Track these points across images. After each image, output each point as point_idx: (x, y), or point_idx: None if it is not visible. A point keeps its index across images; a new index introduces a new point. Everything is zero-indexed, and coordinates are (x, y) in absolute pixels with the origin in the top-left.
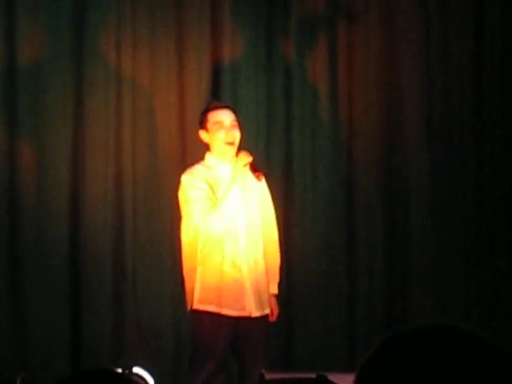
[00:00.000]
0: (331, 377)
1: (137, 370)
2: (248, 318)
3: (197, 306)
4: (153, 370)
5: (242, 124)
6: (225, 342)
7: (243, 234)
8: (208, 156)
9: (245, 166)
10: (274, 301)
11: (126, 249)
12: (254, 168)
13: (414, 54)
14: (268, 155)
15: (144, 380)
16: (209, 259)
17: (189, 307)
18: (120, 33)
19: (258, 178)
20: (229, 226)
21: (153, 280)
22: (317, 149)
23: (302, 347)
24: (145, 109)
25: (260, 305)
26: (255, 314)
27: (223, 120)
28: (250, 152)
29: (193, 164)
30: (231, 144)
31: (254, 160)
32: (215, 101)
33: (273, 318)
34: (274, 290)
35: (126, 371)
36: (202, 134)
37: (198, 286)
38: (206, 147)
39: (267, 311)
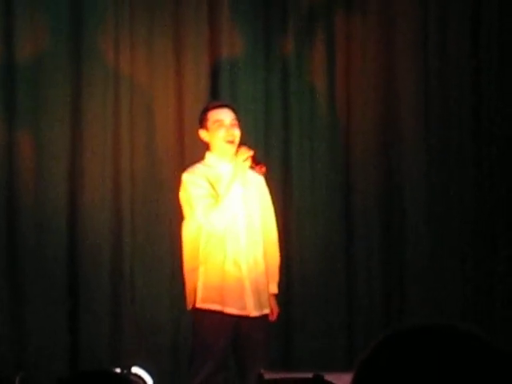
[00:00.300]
0: (330, 376)
1: (135, 370)
2: (248, 318)
3: (199, 304)
4: (151, 370)
5: (240, 122)
6: (225, 342)
7: (243, 233)
8: (208, 155)
9: (245, 160)
10: (273, 300)
11: (124, 249)
12: (256, 161)
13: (412, 54)
14: (266, 154)
15: (142, 380)
16: (211, 258)
17: (189, 306)
18: (118, 32)
19: (260, 170)
20: (230, 223)
21: (151, 281)
22: (315, 147)
23: (300, 347)
24: (143, 108)
25: (259, 305)
26: (254, 313)
27: (223, 119)
28: (250, 146)
29: (191, 164)
30: (231, 142)
31: (254, 153)
32: (215, 100)
33: (273, 318)
34: (274, 289)
35: (125, 371)
36: (202, 133)
37: (200, 284)
38: (206, 147)
39: (266, 311)
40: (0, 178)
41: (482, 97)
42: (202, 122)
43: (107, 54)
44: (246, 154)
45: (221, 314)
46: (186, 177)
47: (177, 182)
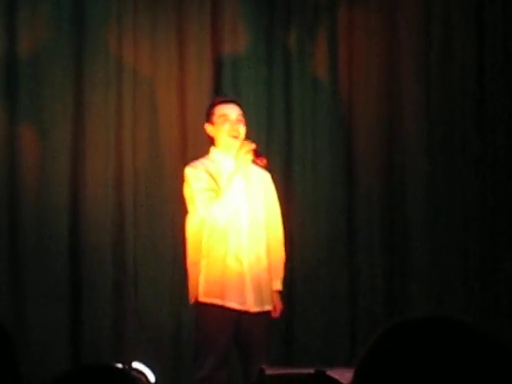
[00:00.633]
0: (332, 372)
1: (137, 365)
2: (249, 313)
3: (201, 298)
4: (153, 365)
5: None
6: (227, 336)
7: (246, 228)
8: (213, 150)
9: (247, 152)
10: (277, 297)
11: (126, 244)
12: (257, 153)
13: (415, 49)
14: (268, 149)
15: (144, 375)
16: (212, 252)
17: (192, 300)
18: (121, 27)
19: (261, 162)
20: (232, 217)
21: (153, 275)
22: (317, 143)
23: (302, 343)
24: (146, 103)
25: (260, 301)
26: (254, 309)
27: (229, 114)
28: (252, 140)
29: (193, 158)
30: (236, 137)
31: (256, 146)
32: (221, 95)
33: (276, 314)
34: (278, 286)
35: (127, 367)
36: (208, 128)
37: (202, 278)
38: (211, 141)
39: (268, 307)
40: (2, 173)
41: (485, 91)
42: (208, 117)
43: (110, 49)
44: (248, 147)
45: (222, 308)
46: (188, 171)
47: (179, 176)
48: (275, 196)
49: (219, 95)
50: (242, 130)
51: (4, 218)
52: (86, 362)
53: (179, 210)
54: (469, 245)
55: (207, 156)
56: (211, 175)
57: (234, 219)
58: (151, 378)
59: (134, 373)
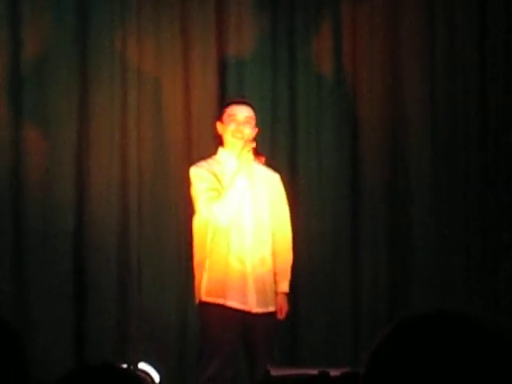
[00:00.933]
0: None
1: (142, 365)
2: (252, 314)
3: (204, 298)
4: (158, 366)
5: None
6: (232, 336)
7: (250, 228)
8: (220, 151)
9: (248, 152)
10: (283, 299)
11: (131, 243)
12: (256, 152)
13: (419, 44)
14: (273, 148)
15: (149, 375)
16: (216, 252)
17: (197, 300)
18: (125, 26)
19: (260, 160)
20: (235, 217)
21: (158, 274)
22: (322, 142)
23: (306, 342)
24: (150, 103)
25: (263, 302)
26: (256, 309)
27: (237, 114)
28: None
29: (198, 157)
30: (238, 138)
31: (256, 145)
32: (237, 95)
33: (281, 316)
34: (285, 288)
35: (132, 367)
36: (218, 126)
37: (205, 278)
38: (220, 141)
39: (271, 309)
40: (7, 171)
41: (488, 90)
42: (220, 115)
43: (115, 49)
44: (249, 145)
45: (224, 307)
46: (192, 171)
47: (184, 176)
48: (283, 197)
49: (236, 96)
50: (247, 131)
51: (9, 218)
52: (90, 361)
53: (184, 209)
54: (471, 243)
55: (214, 156)
56: (215, 175)
57: (237, 219)
58: (156, 378)
59: (139, 373)
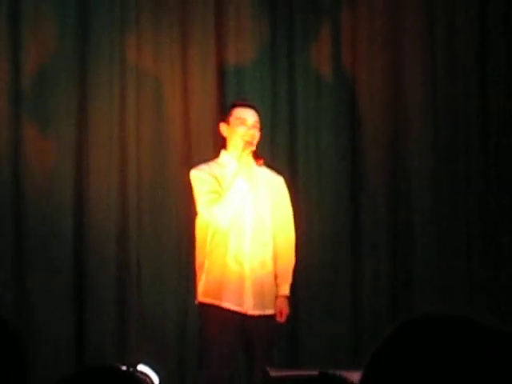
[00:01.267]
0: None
1: (141, 367)
2: (250, 316)
3: (201, 299)
4: (157, 367)
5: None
6: (229, 337)
7: (249, 230)
8: (223, 154)
9: (248, 154)
10: (284, 302)
11: (130, 244)
12: (255, 155)
13: (419, 48)
14: (272, 150)
15: (149, 378)
16: (215, 253)
17: (196, 301)
18: (124, 27)
19: (258, 162)
20: (235, 218)
21: (157, 275)
22: (322, 146)
23: (307, 345)
24: (149, 105)
25: (260, 304)
26: (252, 312)
27: (246, 118)
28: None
29: (197, 158)
30: (249, 143)
31: (256, 148)
32: (244, 98)
33: (281, 319)
34: (285, 291)
35: (131, 369)
36: (222, 127)
37: (203, 279)
38: (223, 143)
39: (270, 312)
40: (7, 172)
41: (488, 93)
42: (225, 117)
43: (114, 51)
44: (249, 148)
45: (221, 309)
46: (192, 173)
47: (183, 176)
48: (286, 200)
49: (239, 98)
50: (256, 135)
51: (9, 219)
52: (89, 363)
53: (183, 211)
54: (472, 245)
55: (216, 159)
56: (216, 178)
57: (237, 221)
58: (155, 379)
59: (138, 374)
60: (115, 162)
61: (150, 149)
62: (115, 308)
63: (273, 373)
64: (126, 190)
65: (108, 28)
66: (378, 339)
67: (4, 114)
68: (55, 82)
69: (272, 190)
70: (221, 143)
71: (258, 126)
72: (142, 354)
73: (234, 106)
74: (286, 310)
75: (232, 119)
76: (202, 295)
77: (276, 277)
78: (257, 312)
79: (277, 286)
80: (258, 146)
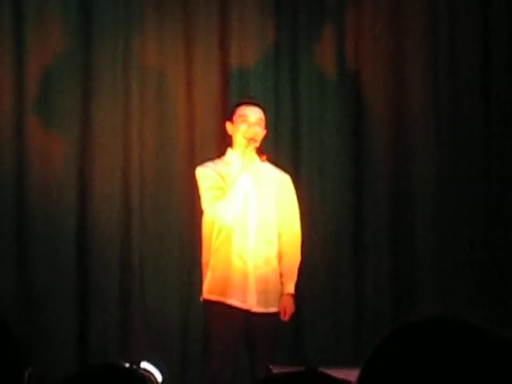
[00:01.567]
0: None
1: (145, 365)
2: (253, 313)
3: (206, 296)
4: (161, 365)
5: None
6: (234, 334)
7: (253, 228)
8: (229, 152)
9: (251, 151)
10: (288, 300)
11: (133, 243)
12: (259, 151)
13: (422, 49)
14: (276, 149)
15: (152, 375)
16: (220, 250)
17: (201, 298)
18: (128, 29)
19: (261, 158)
20: (239, 216)
21: (160, 274)
22: (325, 147)
23: (310, 344)
24: (153, 104)
25: (264, 302)
26: (256, 309)
27: (248, 115)
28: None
29: (200, 157)
30: (251, 140)
31: (260, 145)
32: (249, 96)
33: (285, 317)
34: (290, 289)
35: (134, 366)
36: (228, 126)
37: (208, 276)
38: (229, 142)
39: (273, 309)
40: (10, 170)
41: (492, 92)
42: (230, 115)
43: (118, 50)
44: (253, 145)
45: (225, 305)
46: (198, 170)
47: (186, 175)
48: (293, 198)
49: (245, 96)
50: (259, 132)
51: (12, 218)
52: (92, 361)
53: (186, 209)
54: (474, 250)
55: (222, 157)
56: (221, 175)
57: (241, 218)
58: (159, 377)
59: (142, 372)
60: (118, 162)
61: (153, 149)
62: (118, 306)
63: (276, 370)
64: (129, 189)
65: (112, 27)
66: (378, 338)
67: (8, 113)
68: (59, 80)
69: (278, 187)
70: (225, 142)
71: (262, 123)
72: (145, 351)
73: (239, 103)
74: (289, 308)
75: (235, 117)
76: (207, 292)
77: (281, 275)
78: (260, 309)
79: (282, 284)
80: (262, 143)
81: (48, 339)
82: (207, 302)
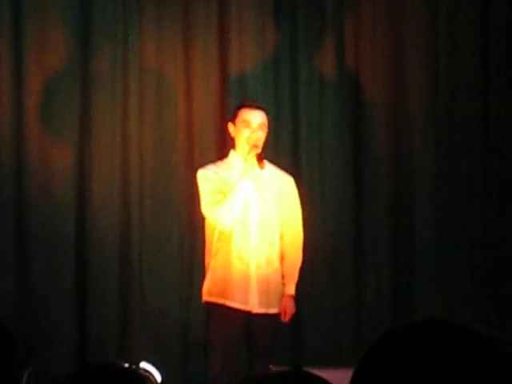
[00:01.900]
0: (338, 372)
1: (144, 365)
2: (254, 315)
3: (206, 297)
4: (160, 365)
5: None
6: (234, 336)
7: (255, 229)
8: (232, 154)
9: (253, 156)
10: (289, 301)
11: (132, 241)
12: (260, 158)
13: (421, 48)
14: (275, 151)
15: (151, 375)
16: (220, 252)
17: (203, 300)
18: (127, 28)
19: (260, 166)
20: (240, 218)
21: (160, 273)
22: (325, 149)
23: (310, 345)
24: (151, 103)
25: (265, 303)
26: (257, 310)
27: (251, 120)
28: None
29: (199, 156)
30: (254, 147)
31: (261, 151)
32: (251, 98)
33: (285, 318)
34: (291, 290)
35: (133, 366)
36: (230, 128)
37: (209, 278)
38: (232, 144)
39: (273, 310)
40: (9, 170)
41: (490, 91)
42: (233, 117)
43: (116, 50)
44: (255, 150)
45: (226, 307)
46: (199, 173)
47: (185, 174)
48: (295, 200)
49: (248, 98)
50: (261, 137)
51: (11, 217)
52: (92, 361)
53: (185, 207)
54: (474, 252)
55: (225, 159)
56: (222, 178)
57: (242, 220)
58: (158, 377)
59: (141, 372)
60: (117, 160)
61: (152, 147)
62: (118, 305)
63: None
64: (128, 187)
65: (111, 26)
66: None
67: (6, 113)
68: (58, 80)
69: (280, 189)
70: (226, 142)
71: (265, 128)
72: (144, 351)
73: (241, 106)
74: (290, 309)
75: (238, 121)
76: (207, 294)
77: (283, 276)
78: (262, 310)
79: (283, 285)
80: (263, 146)
81: (47, 337)
82: (208, 304)
